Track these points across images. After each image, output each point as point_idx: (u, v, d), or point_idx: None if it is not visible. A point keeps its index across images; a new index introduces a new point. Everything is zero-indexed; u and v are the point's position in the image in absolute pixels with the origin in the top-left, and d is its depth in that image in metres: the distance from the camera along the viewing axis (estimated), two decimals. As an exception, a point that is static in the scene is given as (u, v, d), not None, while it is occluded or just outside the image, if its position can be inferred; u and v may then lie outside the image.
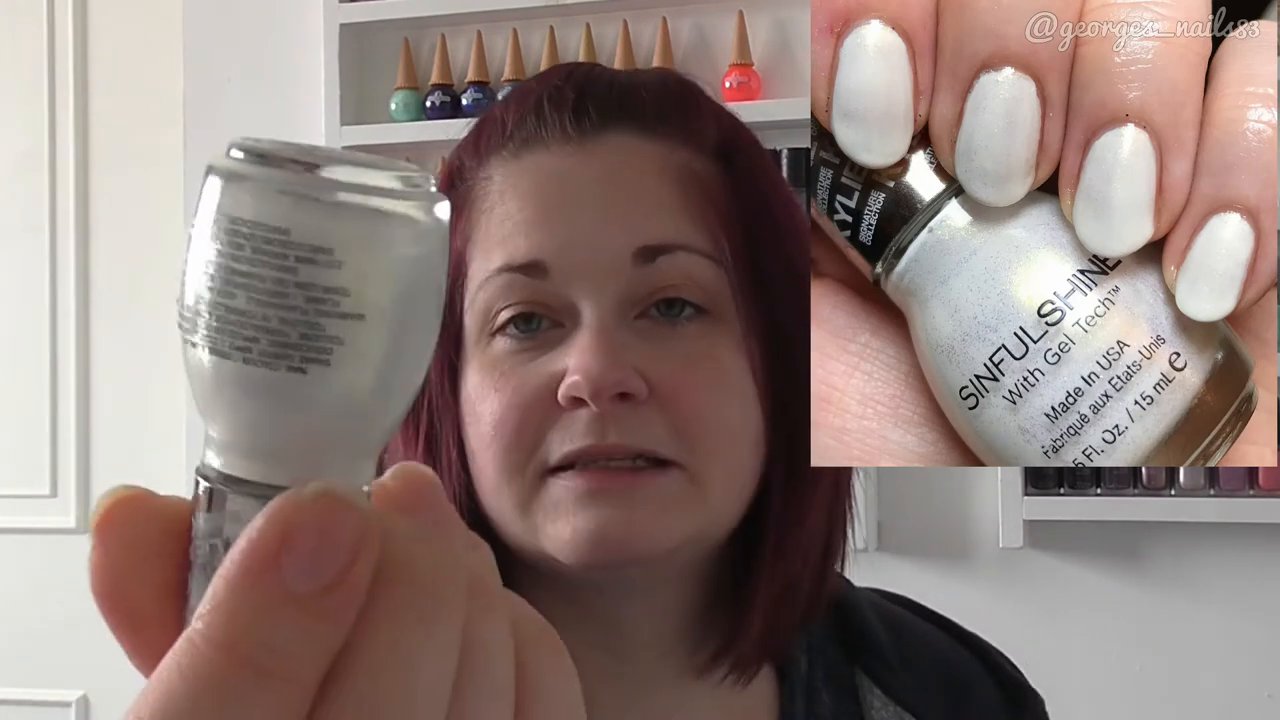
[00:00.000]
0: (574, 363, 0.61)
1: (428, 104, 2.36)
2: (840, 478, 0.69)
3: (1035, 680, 0.82)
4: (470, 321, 0.65)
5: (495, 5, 2.33)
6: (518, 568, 0.66)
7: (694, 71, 2.39)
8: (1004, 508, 2.11)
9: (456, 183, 0.68)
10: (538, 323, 0.63)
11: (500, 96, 2.29)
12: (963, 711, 0.76)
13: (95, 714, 2.63)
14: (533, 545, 0.64)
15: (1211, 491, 2.06)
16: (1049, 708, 0.81)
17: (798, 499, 0.67)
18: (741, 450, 0.65)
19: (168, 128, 2.54)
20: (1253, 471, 2.04)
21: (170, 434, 2.51)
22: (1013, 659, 0.82)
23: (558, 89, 0.67)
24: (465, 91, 2.35)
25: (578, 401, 0.61)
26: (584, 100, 0.66)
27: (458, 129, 2.39)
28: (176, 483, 2.50)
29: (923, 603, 0.84)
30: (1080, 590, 2.14)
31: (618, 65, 2.26)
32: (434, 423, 0.66)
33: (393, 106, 2.37)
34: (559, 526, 0.62)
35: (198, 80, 2.51)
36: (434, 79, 2.37)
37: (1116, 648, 2.12)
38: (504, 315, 0.63)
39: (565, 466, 0.62)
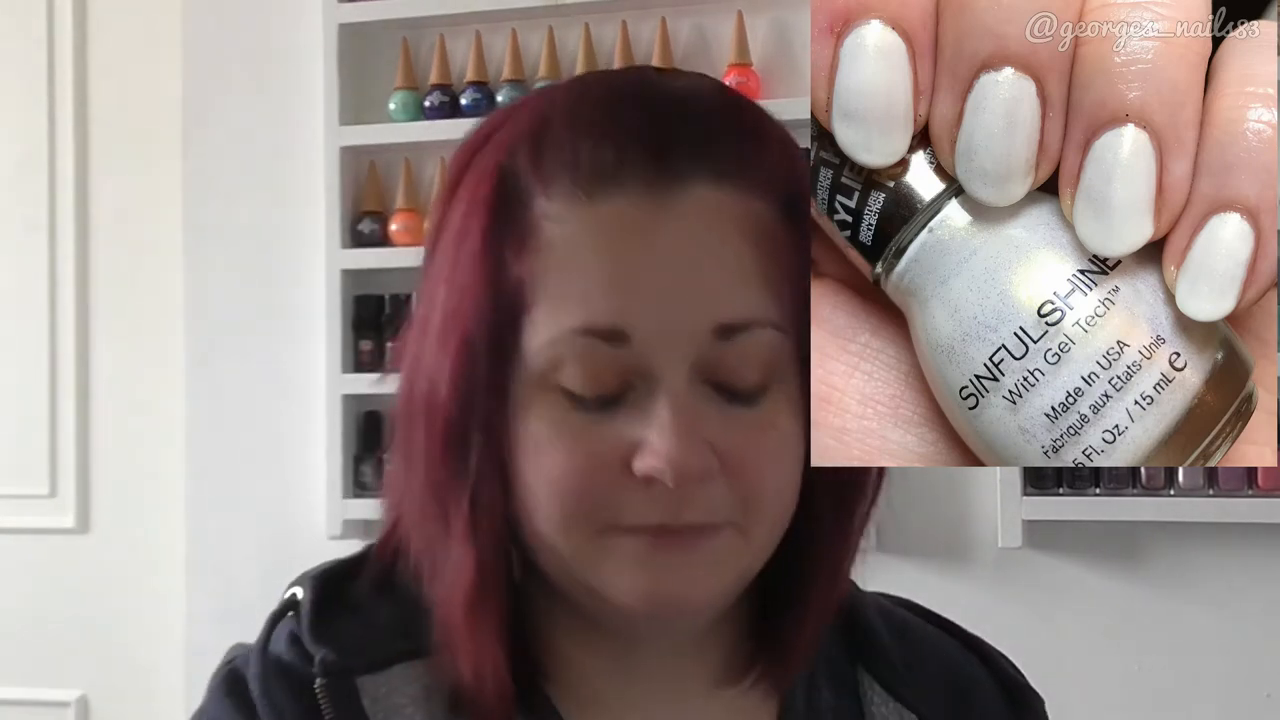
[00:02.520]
0: (656, 444, 0.60)
1: (427, 104, 2.36)
2: (874, 502, 0.71)
3: (1034, 680, 0.82)
4: (534, 366, 0.62)
5: (494, 5, 2.33)
6: (545, 581, 0.67)
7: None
8: (1003, 508, 2.11)
9: (512, 200, 0.63)
10: (610, 384, 0.62)
11: (511, 99, 2.30)
12: (964, 711, 0.77)
13: (95, 714, 2.63)
14: (581, 581, 0.64)
15: (1211, 491, 2.06)
16: (1048, 707, 0.82)
17: (843, 533, 0.69)
18: (790, 503, 0.65)
19: (168, 128, 2.54)
20: (1252, 471, 2.04)
21: (170, 434, 2.51)
22: (1012, 659, 0.82)
23: (638, 126, 0.63)
24: (464, 92, 2.35)
25: (655, 479, 0.61)
26: (666, 143, 0.62)
27: (457, 129, 2.37)
28: (176, 483, 2.50)
29: (922, 604, 0.84)
30: (1079, 590, 2.14)
31: (617, 66, 2.26)
32: (482, 463, 0.63)
33: (392, 106, 2.37)
34: (620, 580, 0.63)
35: (198, 80, 2.51)
36: (433, 79, 2.37)
37: (1116, 648, 2.12)
38: (577, 377, 0.61)
39: (631, 530, 0.62)
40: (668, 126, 0.63)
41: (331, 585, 0.70)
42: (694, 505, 0.61)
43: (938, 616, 0.83)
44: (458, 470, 0.63)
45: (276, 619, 0.69)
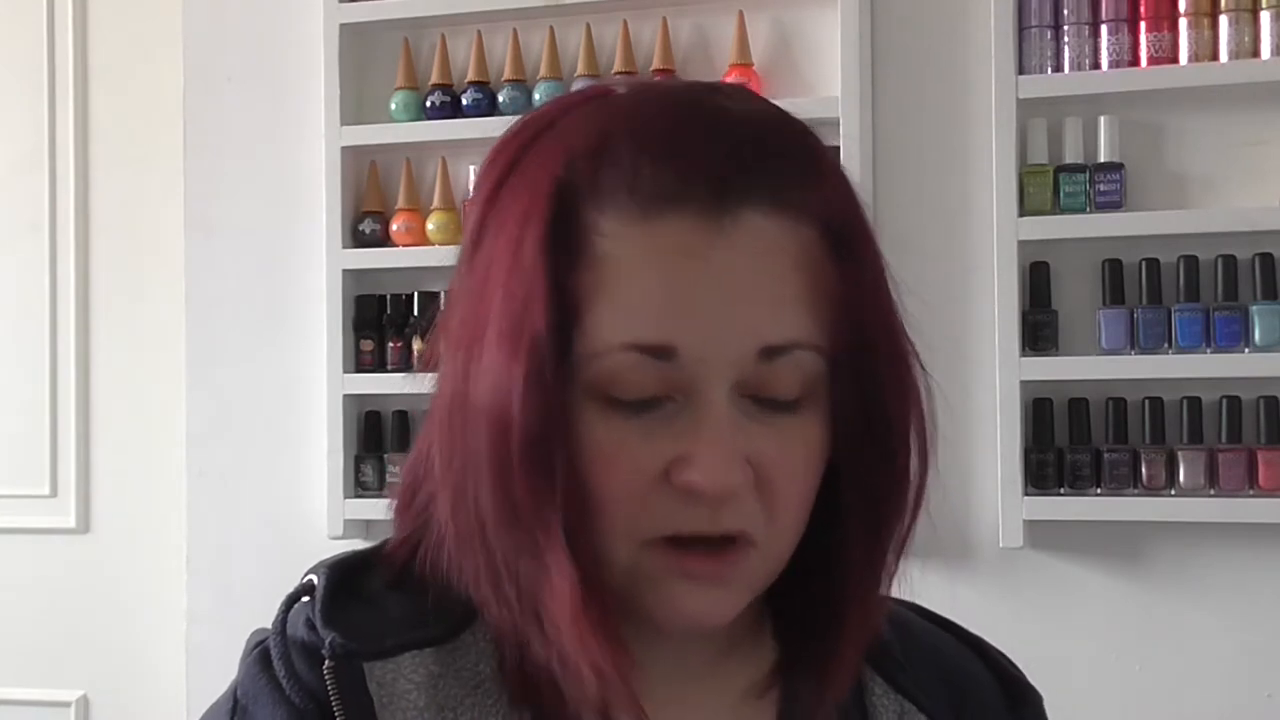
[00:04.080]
0: (696, 458, 0.63)
1: (427, 104, 2.36)
2: (913, 517, 0.74)
3: (1035, 680, 0.82)
4: (582, 374, 0.64)
5: (495, 5, 2.33)
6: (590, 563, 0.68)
7: (694, 72, 2.39)
8: (1004, 508, 2.11)
9: (568, 214, 0.64)
10: (655, 398, 0.64)
11: (512, 99, 2.30)
12: (963, 705, 0.78)
13: (95, 714, 2.63)
14: (626, 587, 0.66)
15: (1211, 491, 2.06)
16: (1049, 707, 0.82)
17: (876, 552, 0.71)
18: (805, 517, 0.68)
19: (168, 128, 2.54)
20: (1253, 471, 2.04)
21: (171, 434, 2.50)
22: (1012, 658, 0.83)
23: (698, 151, 0.64)
24: (465, 92, 2.35)
25: (695, 490, 0.64)
26: (724, 169, 0.64)
27: (458, 129, 2.38)
28: (176, 482, 2.50)
29: (923, 604, 0.85)
30: (1080, 590, 2.14)
31: (617, 66, 2.27)
32: (549, 446, 0.64)
33: (392, 106, 2.37)
34: (659, 597, 0.66)
35: (198, 80, 2.51)
36: (434, 79, 2.37)
37: (1116, 648, 2.12)
38: (627, 392, 0.64)
39: (669, 539, 0.65)
40: (728, 152, 0.64)
41: (346, 574, 0.71)
42: (729, 515, 0.64)
43: (936, 615, 0.85)
44: (541, 485, 0.64)
45: (291, 601, 0.71)
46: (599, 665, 0.65)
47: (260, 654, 0.69)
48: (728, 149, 0.64)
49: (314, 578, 0.71)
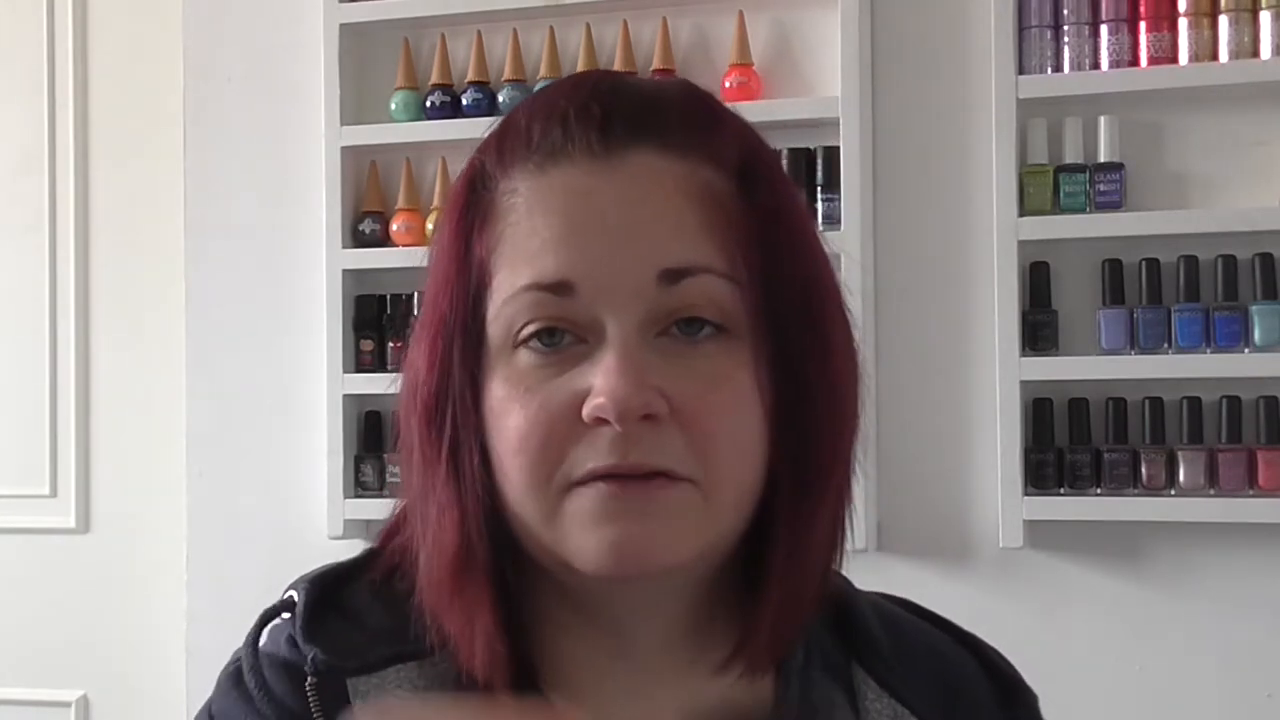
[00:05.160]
0: (600, 384, 0.63)
1: (427, 104, 2.36)
2: (843, 484, 0.71)
3: (1035, 680, 0.82)
4: (494, 333, 0.66)
5: (495, 5, 2.33)
6: (536, 576, 0.69)
7: (694, 71, 2.38)
8: (1004, 508, 2.11)
9: (479, 187, 0.69)
10: (561, 337, 0.65)
11: (512, 99, 2.30)
12: (957, 706, 0.77)
13: (95, 714, 2.63)
14: (555, 554, 0.66)
15: (1211, 491, 2.06)
16: (1049, 707, 0.82)
17: (807, 511, 0.68)
18: (749, 465, 0.66)
19: (168, 128, 2.54)
20: (1253, 471, 2.04)
21: (171, 434, 2.50)
22: (1011, 658, 0.82)
23: (584, 104, 0.67)
24: (465, 91, 2.35)
25: (603, 421, 0.63)
26: (611, 117, 0.67)
27: (458, 129, 2.38)
28: (176, 482, 2.50)
29: (922, 603, 0.85)
30: (1080, 590, 2.14)
31: (618, 66, 2.27)
32: (457, 432, 0.67)
33: (392, 106, 2.37)
34: (582, 538, 0.64)
35: (198, 80, 2.51)
36: (434, 79, 2.37)
37: (1116, 648, 2.12)
38: (529, 330, 0.65)
39: (587, 480, 0.64)
40: (616, 108, 0.67)
41: (327, 588, 0.71)
42: (642, 446, 0.63)
43: (932, 613, 0.84)
44: (437, 442, 0.67)
45: (268, 617, 0.71)
46: (468, 628, 0.66)
47: (233, 672, 0.70)
48: (616, 105, 0.67)
49: (294, 593, 0.71)
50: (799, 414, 0.67)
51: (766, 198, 0.68)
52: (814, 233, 0.71)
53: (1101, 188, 2.10)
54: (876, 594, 0.83)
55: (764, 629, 0.69)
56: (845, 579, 0.79)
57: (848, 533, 0.73)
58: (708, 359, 0.65)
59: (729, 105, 0.72)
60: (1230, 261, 2.06)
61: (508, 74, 2.34)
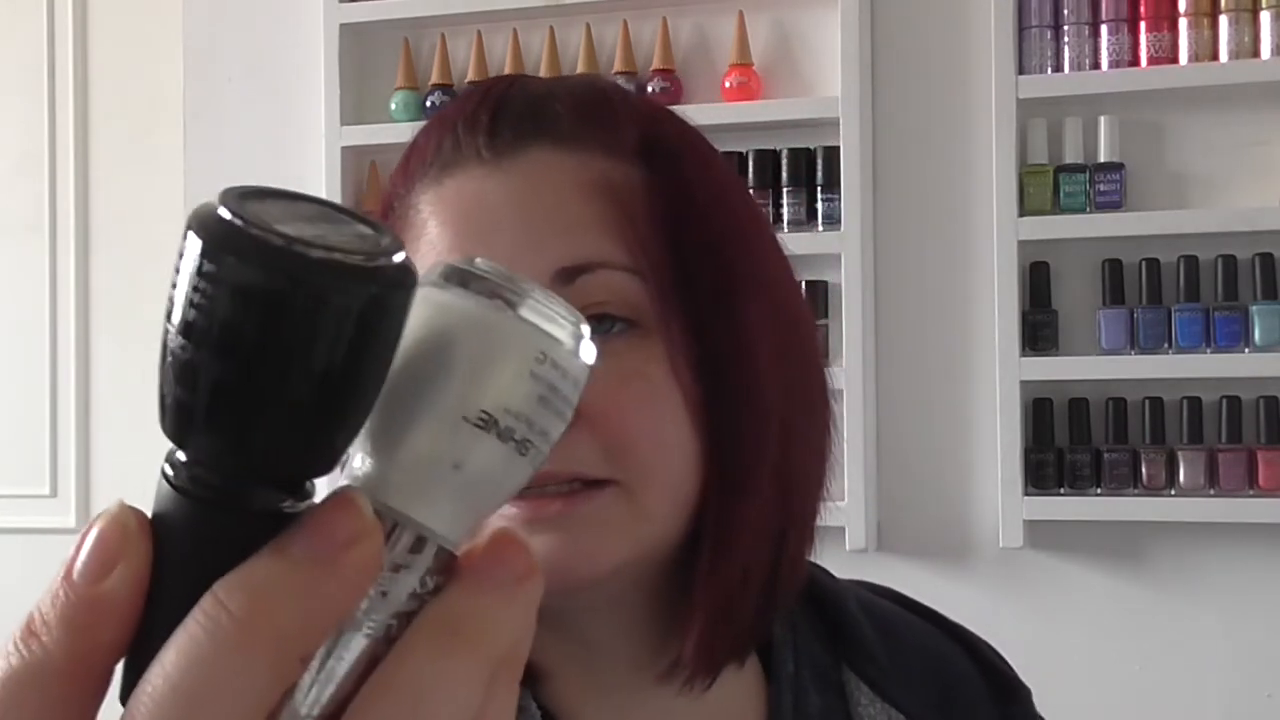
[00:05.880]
0: None
1: (428, 104, 2.36)
2: (785, 485, 0.67)
3: (1034, 679, 0.82)
4: None
5: (495, 5, 2.33)
6: None
7: (694, 71, 2.37)
8: (1004, 508, 2.11)
9: (393, 209, 0.69)
10: None
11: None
12: (951, 706, 0.77)
13: (95, 714, 2.63)
14: None
15: (1211, 491, 2.06)
16: (1048, 707, 0.81)
17: (731, 514, 0.65)
18: (677, 464, 0.64)
19: (168, 128, 2.54)
20: (1253, 471, 2.04)
21: (170, 434, 2.50)
22: (1011, 658, 0.82)
23: (472, 112, 0.68)
24: (465, 91, 2.35)
25: None
26: (497, 120, 0.66)
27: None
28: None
29: (922, 604, 0.84)
30: (1080, 590, 2.14)
31: (618, 66, 2.27)
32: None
33: (392, 106, 2.37)
34: None
35: (198, 80, 2.51)
36: (434, 79, 2.36)
37: (1116, 648, 2.12)
38: None
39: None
40: (499, 106, 0.67)
41: None
42: (552, 455, 0.60)
43: (921, 606, 0.83)
44: None
45: None
46: None
47: None
48: (503, 108, 0.67)
49: None
50: (721, 412, 0.64)
51: (672, 183, 0.66)
52: (742, 214, 0.69)
53: (1101, 188, 2.10)
54: (861, 585, 0.82)
55: (691, 637, 0.66)
56: (826, 573, 0.78)
57: (810, 540, 0.70)
58: (617, 357, 0.63)
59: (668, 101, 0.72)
60: (1230, 261, 2.06)
61: (508, 73, 2.33)
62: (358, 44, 2.41)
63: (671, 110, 0.72)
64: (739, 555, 0.66)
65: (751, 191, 2.16)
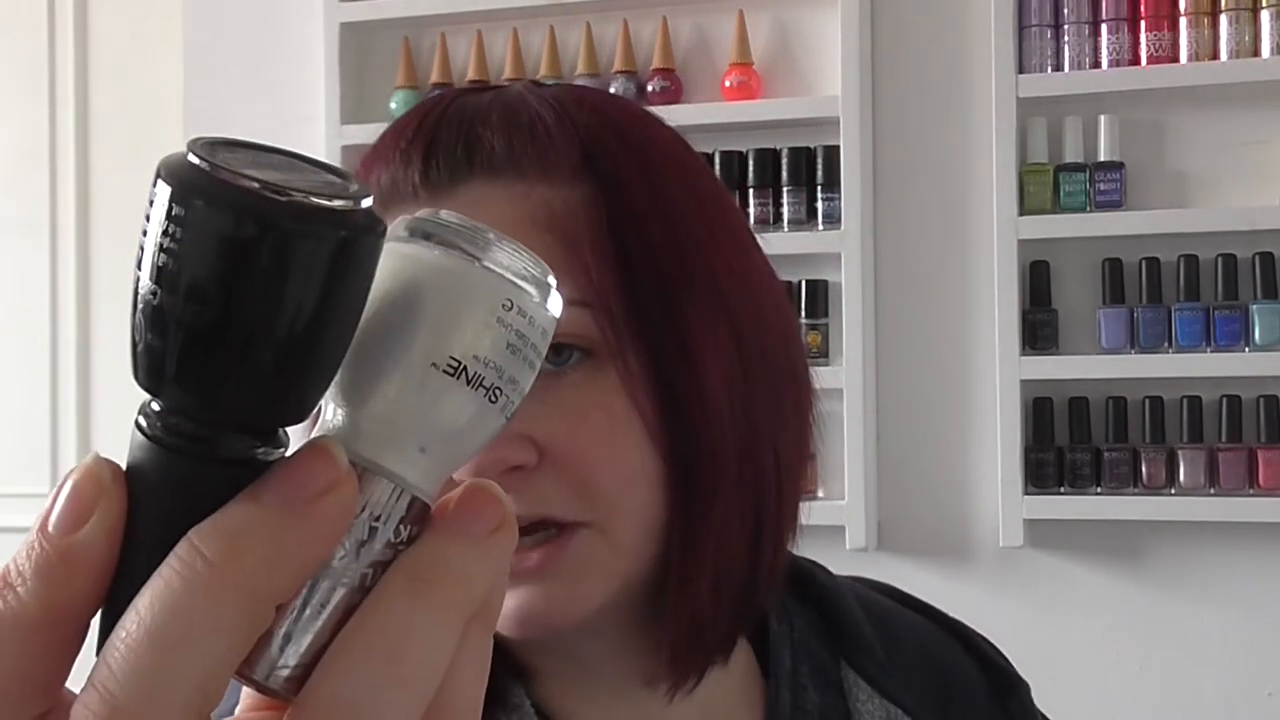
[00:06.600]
0: None
1: (428, 103, 2.36)
2: (750, 506, 0.66)
3: (1035, 678, 0.82)
4: None
5: (495, 4, 2.33)
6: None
7: (694, 71, 2.37)
8: (1004, 507, 2.11)
9: None
10: None
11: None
12: (949, 701, 0.77)
13: (95, 713, 2.63)
14: None
15: (1211, 491, 2.06)
16: (1049, 706, 0.82)
17: (695, 531, 0.64)
18: (643, 493, 0.63)
19: (168, 128, 2.54)
20: (1253, 471, 2.04)
21: (170, 433, 2.50)
22: (1012, 657, 0.82)
23: (405, 149, 0.66)
24: (465, 91, 2.35)
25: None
26: (429, 158, 0.65)
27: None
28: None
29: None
30: (1080, 590, 2.14)
31: (618, 65, 2.27)
32: None
33: (393, 106, 2.38)
34: None
35: (198, 80, 2.51)
36: (434, 78, 2.37)
37: (1116, 647, 2.12)
38: None
39: None
40: (430, 141, 0.65)
41: None
42: (518, 500, 0.60)
43: (919, 602, 0.83)
44: None
45: None
46: None
47: None
48: (434, 143, 0.65)
49: None
50: (681, 434, 0.63)
51: (613, 199, 0.64)
52: (692, 220, 0.66)
53: (1101, 187, 2.10)
54: (858, 582, 0.82)
55: (665, 651, 0.66)
56: (824, 570, 0.78)
57: (791, 537, 0.69)
58: (574, 389, 0.62)
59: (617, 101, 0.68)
60: (1230, 261, 2.06)
61: (508, 73, 2.34)
62: (358, 43, 2.41)
63: (634, 113, 0.70)
64: (707, 571, 0.65)
65: (751, 192, 2.16)
